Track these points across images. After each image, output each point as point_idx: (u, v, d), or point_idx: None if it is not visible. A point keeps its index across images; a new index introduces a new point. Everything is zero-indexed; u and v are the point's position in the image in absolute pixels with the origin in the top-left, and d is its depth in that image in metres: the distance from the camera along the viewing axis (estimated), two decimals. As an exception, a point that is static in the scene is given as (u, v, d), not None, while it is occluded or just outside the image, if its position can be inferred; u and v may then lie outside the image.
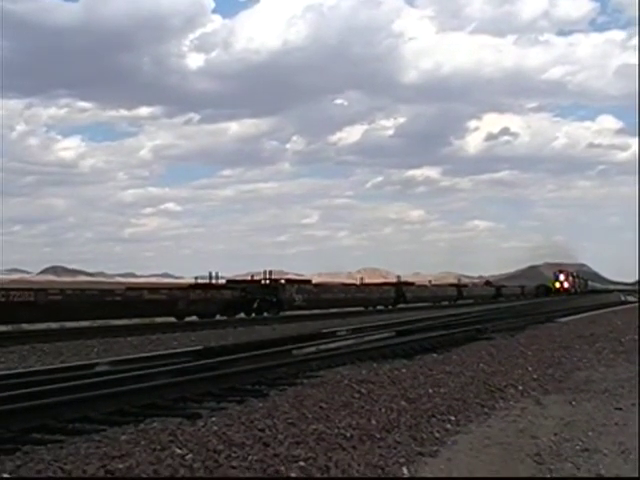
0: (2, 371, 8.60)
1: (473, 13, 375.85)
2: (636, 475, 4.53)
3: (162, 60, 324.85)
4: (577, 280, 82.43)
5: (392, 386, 7.20)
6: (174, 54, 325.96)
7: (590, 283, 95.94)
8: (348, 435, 5.07)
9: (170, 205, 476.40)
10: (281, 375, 8.04)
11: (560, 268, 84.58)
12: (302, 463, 4.36)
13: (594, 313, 25.35)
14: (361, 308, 33.39)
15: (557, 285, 76.16)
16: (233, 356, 9.39)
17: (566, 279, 76.47)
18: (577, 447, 5.12)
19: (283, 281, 30.53)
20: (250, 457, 4.39)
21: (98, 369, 8.39)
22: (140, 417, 5.69)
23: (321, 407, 5.97)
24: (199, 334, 15.85)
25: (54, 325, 19.14)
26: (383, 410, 5.98)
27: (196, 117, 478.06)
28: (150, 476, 4.02)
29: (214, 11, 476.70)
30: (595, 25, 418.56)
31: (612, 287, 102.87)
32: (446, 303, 43.36)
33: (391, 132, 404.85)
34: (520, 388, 7.65)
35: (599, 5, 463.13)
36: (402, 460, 4.65)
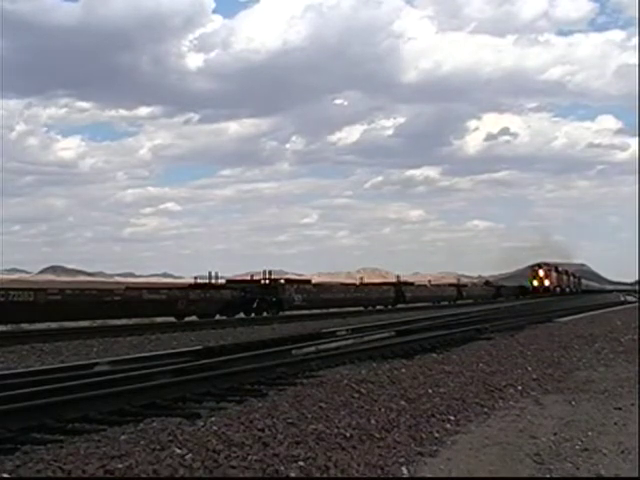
0: (2, 371, 8.60)
1: (473, 13, 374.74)
2: (636, 475, 4.53)
3: (161, 60, 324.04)
4: (566, 277, 70.08)
5: (392, 386, 7.20)
6: (173, 54, 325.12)
7: (585, 282, 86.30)
8: (348, 435, 5.07)
9: (170, 205, 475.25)
10: (281, 375, 8.04)
11: (540, 262, 68.19)
12: (302, 463, 4.35)
13: (593, 313, 25.36)
14: (361, 308, 33.41)
15: (535, 283, 62.11)
16: (233, 356, 9.40)
17: (547, 276, 62.32)
18: (577, 447, 5.12)
19: (283, 281, 30.53)
20: (250, 457, 4.39)
21: (97, 369, 8.40)
22: (140, 417, 5.68)
23: (321, 407, 5.96)
24: (199, 334, 15.85)
25: (53, 325, 19.14)
26: (382, 410, 5.98)
27: (195, 117, 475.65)
28: (150, 476, 4.01)
29: (214, 11, 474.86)
30: (595, 25, 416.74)
31: (611, 287, 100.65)
32: (446, 303, 43.39)
33: (390, 132, 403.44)
34: (519, 388, 7.65)
35: (599, 5, 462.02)
36: (402, 460, 4.65)
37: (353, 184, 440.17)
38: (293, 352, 10.06)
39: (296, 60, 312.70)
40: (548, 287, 61.40)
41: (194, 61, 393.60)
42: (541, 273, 62.61)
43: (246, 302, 26.69)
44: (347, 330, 14.75)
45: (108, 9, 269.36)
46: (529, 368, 9.06)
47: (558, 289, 63.60)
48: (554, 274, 64.46)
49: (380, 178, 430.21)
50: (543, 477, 4.47)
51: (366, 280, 46.06)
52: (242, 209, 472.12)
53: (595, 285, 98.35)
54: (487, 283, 67.92)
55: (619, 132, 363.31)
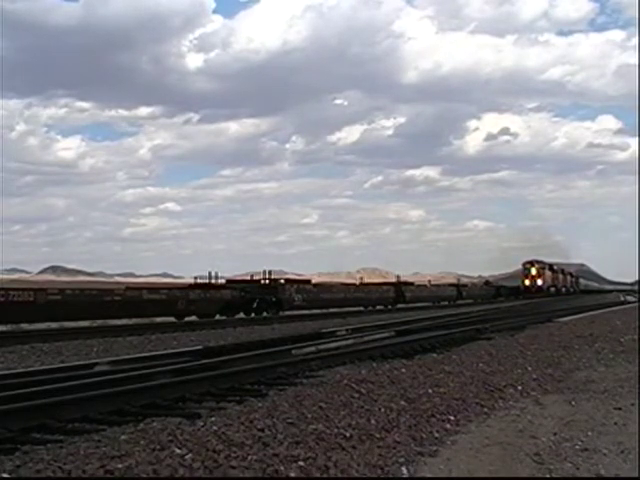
0: (2, 371, 8.60)
1: (473, 13, 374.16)
2: (636, 475, 4.53)
3: (161, 60, 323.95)
4: (562, 277, 65.92)
5: (392, 386, 7.20)
6: (173, 54, 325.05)
7: (584, 282, 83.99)
8: (347, 435, 5.07)
9: (170, 205, 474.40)
10: (281, 375, 8.04)
11: (532, 259, 61.20)
12: (302, 463, 4.35)
13: (593, 313, 25.35)
14: (361, 308, 33.41)
15: (527, 283, 57.11)
16: (233, 356, 9.40)
17: (540, 275, 57.25)
18: (577, 447, 5.13)
19: (282, 281, 30.54)
20: (250, 457, 4.39)
21: (97, 369, 8.39)
22: (140, 417, 5.68)
23: (320, 407, 5.96)
24: (199, 334, 15.85)
25: (54, 325, 19.15)
26: (382, 410, 5.98)
27: (195, 117, 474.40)
28: (150, 476, 4.02)
29: (214, 11, 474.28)
30: (595, 25, 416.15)
31: (610, 287, 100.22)
32: (445, 303, 43.40)
33: (390, 132, 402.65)
34: (519, 388, 7.65)
35: (599, 5, 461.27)
36: (401, 460, 4.65)
37: (353, 184, 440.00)
38: (293, 352, 10.06)
39: (296, 60, 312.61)
40: (541, 286, 57.04)
41: (194, 61, 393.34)
42: (533, 271, 57.77)
43: (246, 302, 26.70)
44: (347, 330, 14.75)
45: (108, 9, 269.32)
46: (529, 368, 9.06)
47: (553, 289, 59.44)
48: (548, 272, 59.81)
49: (380, 178, 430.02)
50: (543, 477, 4.47)
51: (366, 280, 46.11)
52: (242, 209, 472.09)
53: (594, 285, 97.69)
54: (487, 283, 66.56)
55: (619, 132, 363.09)
